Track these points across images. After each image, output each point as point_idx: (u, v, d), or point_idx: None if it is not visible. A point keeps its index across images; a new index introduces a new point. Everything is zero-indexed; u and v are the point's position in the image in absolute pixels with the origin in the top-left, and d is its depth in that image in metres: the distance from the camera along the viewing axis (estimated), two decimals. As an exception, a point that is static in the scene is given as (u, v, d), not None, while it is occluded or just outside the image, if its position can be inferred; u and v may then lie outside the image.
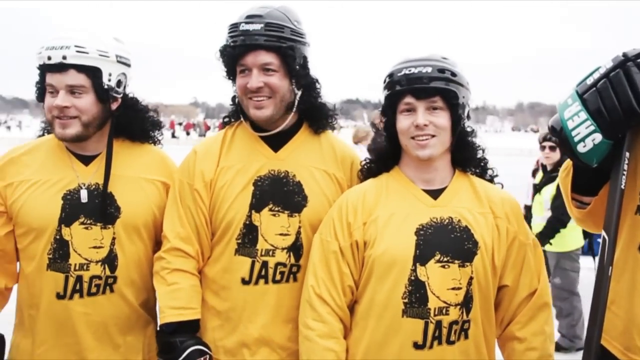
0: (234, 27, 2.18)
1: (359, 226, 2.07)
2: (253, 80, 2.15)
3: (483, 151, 2.19)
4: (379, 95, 2.17)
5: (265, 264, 2.19)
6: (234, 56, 2.18)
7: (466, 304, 2.00)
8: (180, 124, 57.76)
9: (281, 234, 2.20)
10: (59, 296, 2.17)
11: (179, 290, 2.19)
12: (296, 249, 2.21)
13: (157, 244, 2.37)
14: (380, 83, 2.12)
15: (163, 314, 2.18)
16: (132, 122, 2.32)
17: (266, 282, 2.20)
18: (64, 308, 2.18)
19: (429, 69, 2.00)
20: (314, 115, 2.32)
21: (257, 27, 2.14)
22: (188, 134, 50.18)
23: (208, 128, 51.16)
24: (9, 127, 61.94)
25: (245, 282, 2.20)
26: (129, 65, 2.29)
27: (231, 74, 2.25)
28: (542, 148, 5.61)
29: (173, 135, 44.10)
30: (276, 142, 2.28)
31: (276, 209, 2.21)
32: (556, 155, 5.47)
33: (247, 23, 2.16)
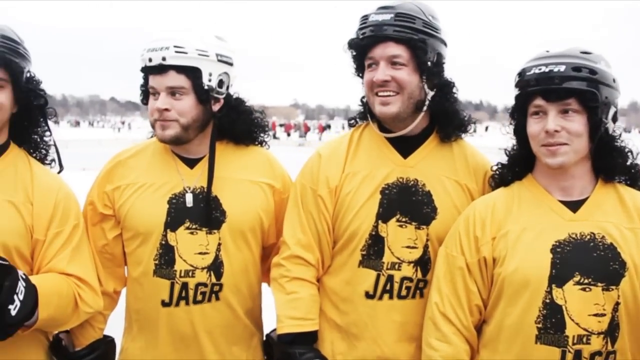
0: (364, 18, 2.07)
1: (488, 241, 1.88)
2: (379, 73, 2.02)
3: (633, 156, 1.91)
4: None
5: (390, 278, 2.07)
6: (361, 49, 2.07)
7: (611, 332, 1.75)
8: (281, 125, 59.16)
9: (408, 247, 2.07)
10: (164, 304, 2.12)
11: (298, 300, 2.11)
12: (423, 263, 2.07)
13: (264, 249, 2.29)
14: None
15: (281, 323, 2.10)
16: (235, 123, 2.23)
17: (391, 297, 2.07)
18: (171, 316, 2.13)
19: (562, 67, 1.77)
20: (447, 120, 2.15)
21: (387, 17, 2.02)
22: (289, 135, 51.22)
23: (308, 129, 52.01)
24: (118, 129, 65.86)
25: (369, 296, 2.08)
26: (231, 64, 2.20)
27: (360, 70, 2.13)
28: None
29: (274, 136, 45.07)
30: (405, 147, 2.14)
31: (404, 219, 2.08)
32: None
33: (377, 14, 2.05)
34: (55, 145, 2.19)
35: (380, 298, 2.07)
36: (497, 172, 2.03)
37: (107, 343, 2.25)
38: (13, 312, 1.79)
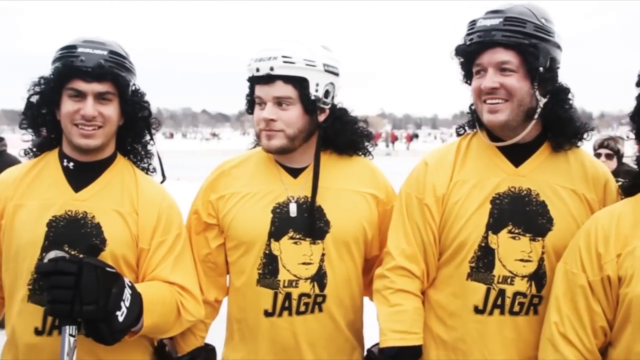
0: (472, 24, 2.00)
1: (612, 259, 1.75)
2: (487, 80, 1.94)
3: None
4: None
5: (502, 293, 1.96)
6: (469, 55, 1.99)
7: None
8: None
9: (521, 260, 1.96)
10: (267, 313, 2.11)
11: (402, 313, 2.05)
12: (538, 277, 1.96)
13: (366, 262, 2.25)
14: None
15: (384, 336, 2.04)
16: (340, 133, 2.20)
17: (502, 312, 1.97)
18: (273, 326, 2.12)
19: None
20: (560, 128, 2.03)
21: (495, 22, 1.93)
22: (376, 144, 51.07)
23: (395, 139, 51.70)
24: (206, 140, 68.02)
25: (478, 310, 1.99)
26: (337, 75, 2.18)
27: (468, 77, 2.06)
28: (597, 155, 4.68)
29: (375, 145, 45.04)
30: (517, 155, 2.03)
31: (516, 231, 1.97)
32: (612, 163, 4.68)
33: (485, 19, 1.96)
34: (158, 155, 2.26)
35: (491, 313, 1.97)
36: (628, 180, 1.89)
37: (208, 351, 2.27)
38: (120, 319, 1.83)
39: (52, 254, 1.90)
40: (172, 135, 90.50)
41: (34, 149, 2.15)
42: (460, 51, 2.02)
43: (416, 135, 64.57)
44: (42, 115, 2.06)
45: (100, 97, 1.98)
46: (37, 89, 2.04)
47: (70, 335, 1.81)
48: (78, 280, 1.78)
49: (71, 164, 2.06)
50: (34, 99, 2.05)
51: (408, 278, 2.07)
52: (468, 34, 1.99)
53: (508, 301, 1.96)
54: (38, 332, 1.96)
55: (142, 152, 2.19)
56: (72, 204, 2.01)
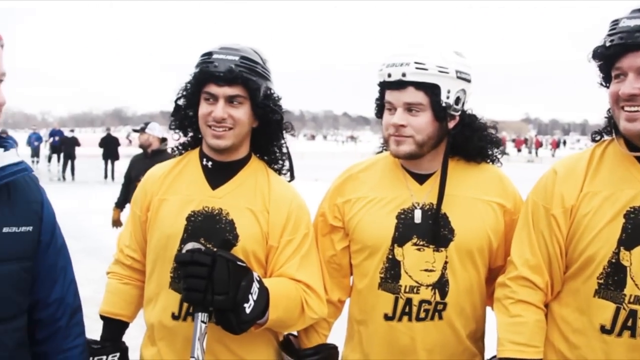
0: (614, 23, 1.84)
1: None
2: (626, 86, 1.78)
3: None
4: None
5: (633, 314, 1.81)
6: (608, 58, 1.85)
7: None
8: (513, 140, 57.18)
9: None
10: (387, 317, 2.13)
11: (522, 324, 1.97)
12: None
13: (490, 271, 2.20)
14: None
15: (502, 347, 1.98)
16: (469, 140, 2.16)
17: (633, 335, 1.82)
18: (392, 330, 2.13)
19: None
20: None
21: (638, 22, 1.77)
22: (519, 150, 49.16)
23: (540, 145, 49.34)
24: (342, 142, 68.84)
25: (605, 330, 1.86)
26: (469, 81, 2.14)
27: (607, 81, 1.92)
28: None
29: (503, 152, 43.33)
30: None
31: None
32: None
33: (629, 18, 1.80)
34: (289, 157, 2.32)
35: (620, 335, 1.83)
36: None
37: (330, 349, 2.31)
38: (247, 310, 1.92)
39: (190, 246, 2.02)
40: (313, 137, 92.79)
41: (180, 148, 2.31)
42: (598, 54, 1.88)
43: (563, 142, 61.15)
44: (187, 117, 2.22)
45: (230, 100, 2.08)
46: (183, 93, 2.20)
47: (202, 321, 1.93)
48: (211, 272, 1.89)
49: (209, 163, 2.20)
50: (181, 102, 2.21)
51: (530, 289, 1.99)
52: (609, 35, 1.83)
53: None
54: (175, 317, 2.11)
55: (276, 154, 2.28)
56: (209, 200, 2.14)
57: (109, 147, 23.02)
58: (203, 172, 2.20)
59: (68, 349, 1.88)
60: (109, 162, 22.81)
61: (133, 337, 2.34)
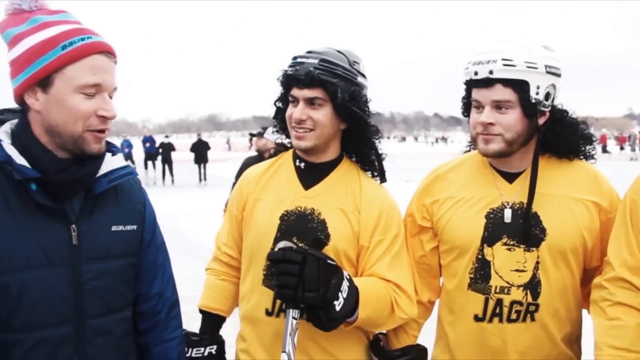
0: None
1: None
2: None
3: None
4: None
5: None
6: None
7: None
8: (615, 137, 54.37)
9: None
10: (477, 318, 2.11)
11: (621, 328, 1.89)
12: None
13: (585, 272, 2.13)
14: None
15: (600, 351, 1.90)
16: (559, 137, 2.10)
17: None
18: (482, 331, 2.10)
19: None
20: None
21: None
22: (622, 148, 46.67)
23: (644, 142, 46.58)
24: (432, 144, 67.84)
25: None
26: (559, 76, 2.08)
27: None
28: None
29: (604, 150, 41.27)
30: None
31: None
32: None
33: None
34: (379, 158, 2.31)
35: None
36: None
37: (419, 350, 2.30)
38: (337, 308, 1.96)
39: (282, 244, 2.07)
40: (404, 139, 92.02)
41: (279, 149, 2.39)
42: None
43: (672, 139, 57.38)
44: (283, 120, 2.27)
45: (311, 103, 2.12)
46: (279, 96, 2.27)
47: (293, 317, 1.99)
48: (302, 269, 1.94)
49: (302, 164, 2.25)
50: (279, 104, 2.28)
51: (630, 291, 1.90)
52: None
53: None
54: (268, 313, 2.18)
55: (366, 155, 2.28)
56: (301, 200, 2.20)
57: (200, 151, 24.29)
58: (296, 173, 2.26)
59: (167, 340, 1.99)
60: (201, 165, 24.11)
61: (229, 335, 2.42)
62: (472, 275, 2.12)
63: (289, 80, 2.15)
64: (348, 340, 2.19)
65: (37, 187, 1.63)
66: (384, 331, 2.31)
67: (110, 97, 1.71)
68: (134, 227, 1.85)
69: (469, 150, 2.32)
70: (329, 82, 2.10)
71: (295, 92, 2.14)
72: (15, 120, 1.74)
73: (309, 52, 2.18)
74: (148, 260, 1.93)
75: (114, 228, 1.79)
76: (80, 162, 1.71)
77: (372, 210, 2.18)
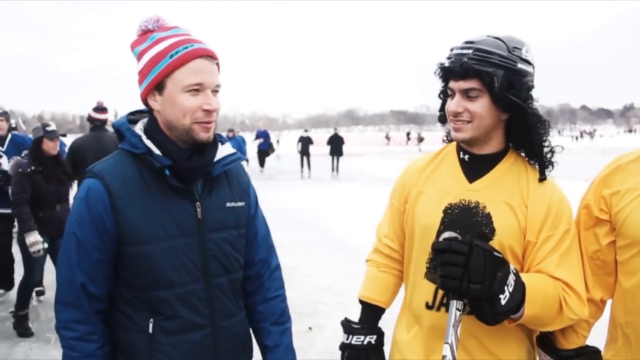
0: None
1: None
2: None
3: None
4: None
5: None
6: None
7: None
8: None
9: None
10: None
11: None
12: None
13: None
14: None
15: None
16: None
17: None
18: None
19: None
20: None
21: None
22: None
23: None
24: (576, 138, 64.03)
25: None
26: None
27: None
28: None
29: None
30: None
31: None
32: None
33: None
34: (541, 150, 2.16)
35: None
36: None
37: (592, 352, 2.17)
38: (502, 302, 1.89)
39: (447, 234, 2.04)
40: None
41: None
42: None
43: None
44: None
45: (466, 94, 2.07)
46: (441, 89, 2.23)
47: (457, 309, 1.93)
48: (468, 260, 1.88)
49: (466, 156, 2.19)
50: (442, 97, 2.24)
51: None
52: None
53: None
54: (428, 307, 2.15)
55: (532, 147, 2.16)
56: (466, 193, 2.14)
57: (335, 144, 26.24)
58: (460, 166, 2.21)
59: (270, 298, 2.27)
60: (335, 158, 25.85)
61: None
62: None
63: (446, 73, 2.12)
64: (510, 339, 2.12)
65: (169, 172, 1.95)
66: (549, 330, 2.19)
67: (216, 93, 1.97)
68: (243, 203, 2.16)
69: None
70: (484, 72, 2.02)
71: (451, 84, 2.10)
72: (145, 119, 2.07)
73: (464, 42, 2.12)
74: (253, 232, 2.23)
75: (228, 204, 2.10)
76: (201, 151, 2.00)
77: (541, 205, 2.09)
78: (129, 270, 1.96)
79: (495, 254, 1.93)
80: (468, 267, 1.88)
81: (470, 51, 2.06)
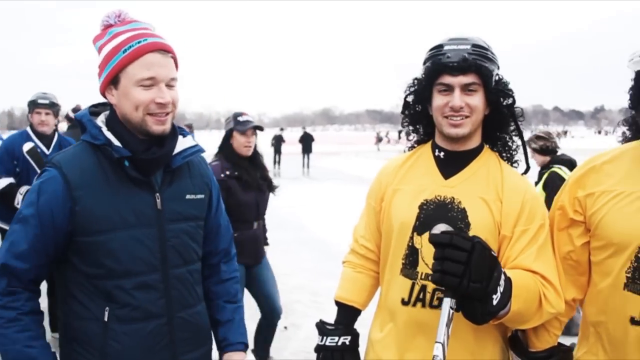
0: None
1: None
2: None
3: None
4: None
5: None
6: None
7: None
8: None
9: None
10: (634, 321, 1.95)
11: None
12: None
13: None
14: None
15: None
16: None
17: None
18: None
19: None
20: None
21: None
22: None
23: None
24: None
25: None
26: None
27: None
28: None
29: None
30: None
31: None
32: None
33: None
34: (523, 146, 2.28)
35: None
36: None
37: (564, 352, 2.19)
38: (494, 302, 1.87)
39: (443, 227, 2.01)
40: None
41: (415, 145, 2.37)
42: None
43: None
44: (417, 113, 2.27)
45: (466, 89, 2.09)
46: (412, 89, 2.25)
47: (451, 307, 1.87)
48: (470, 258, 1.83)
49: (442, 153, 2.21)
50: (410, 98, 2.27)
51: None
52: None
53: None
54: (404, 303, 2.15)
55: (506, 143, 2.24)
56: (441, 189, 2.16)
57: (306, 143, 27.50)
58: (435, 163, 2.23)
59: (225, 280, 2.38)
60: (306, 156, 27.05)
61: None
62: (629, 275, 1.97)
63: (440, 68, 2.11)
64: (486, 338, 2.13)
65: (129, 163, 1.99)
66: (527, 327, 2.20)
67: (170, 86, 2.00)
68: (202, 195, 2.21)
69: (627, 141, 2.15)
70: (484, 67, 2.08)
71: (447, 79, 2.10)
72: (107, 112, 2.10)
73: (452, 39, 2.15)
74: (216, 223, 2.32)
75: (187, 196, 2.14)
76: (160, 143, 2.04)
77: (515, 200, 2.11)
78: (87, 260, 1.98)
79: (492, 252, 1.91)
80: (470, 264, 1.83)
81: (468, 47, 2.10)
